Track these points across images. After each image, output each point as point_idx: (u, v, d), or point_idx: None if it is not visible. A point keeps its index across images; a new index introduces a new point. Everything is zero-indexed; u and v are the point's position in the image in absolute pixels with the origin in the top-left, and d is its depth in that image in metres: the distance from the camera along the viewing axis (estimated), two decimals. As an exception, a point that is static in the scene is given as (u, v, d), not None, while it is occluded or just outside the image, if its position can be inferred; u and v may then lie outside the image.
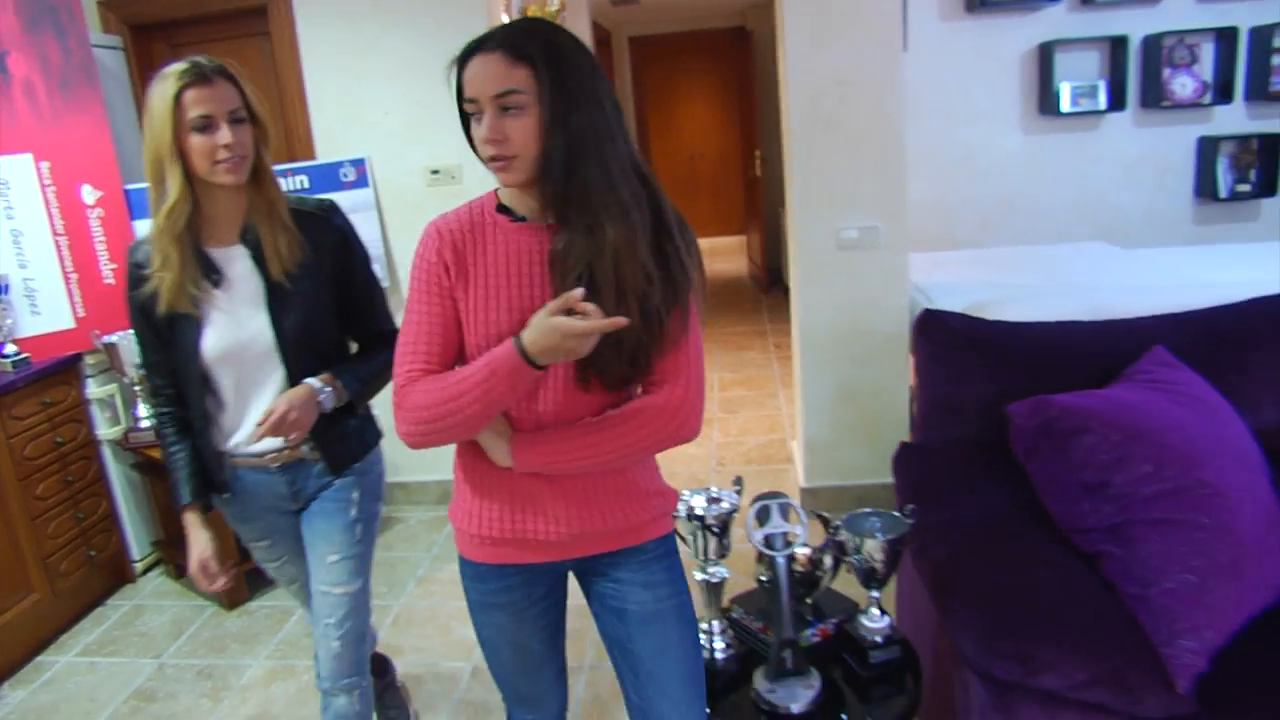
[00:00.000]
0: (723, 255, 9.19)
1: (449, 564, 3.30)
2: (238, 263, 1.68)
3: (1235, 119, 4.45)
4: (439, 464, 3.74)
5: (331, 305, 1.76)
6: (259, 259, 1.67)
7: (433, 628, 2.89)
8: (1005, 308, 2.49)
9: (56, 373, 3.05)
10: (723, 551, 1.79)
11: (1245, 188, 4.48)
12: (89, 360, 3.18)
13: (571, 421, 1.34)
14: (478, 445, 1.39)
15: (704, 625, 1.81)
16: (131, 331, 1.84)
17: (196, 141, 1.56)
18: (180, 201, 1.59)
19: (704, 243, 1.48)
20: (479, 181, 3.40)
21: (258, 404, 1.72)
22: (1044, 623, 1.56)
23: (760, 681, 1.71)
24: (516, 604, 1.46)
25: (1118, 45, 4.36)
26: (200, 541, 1.78)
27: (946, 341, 2.23)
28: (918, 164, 4.51)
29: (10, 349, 2.99)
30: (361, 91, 3.37)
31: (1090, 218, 4.61)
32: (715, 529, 1.76)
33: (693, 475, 3.86)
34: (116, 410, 3.26)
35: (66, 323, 3.14)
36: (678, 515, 1.76)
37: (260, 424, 1.63)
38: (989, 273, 3.59)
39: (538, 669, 1.54)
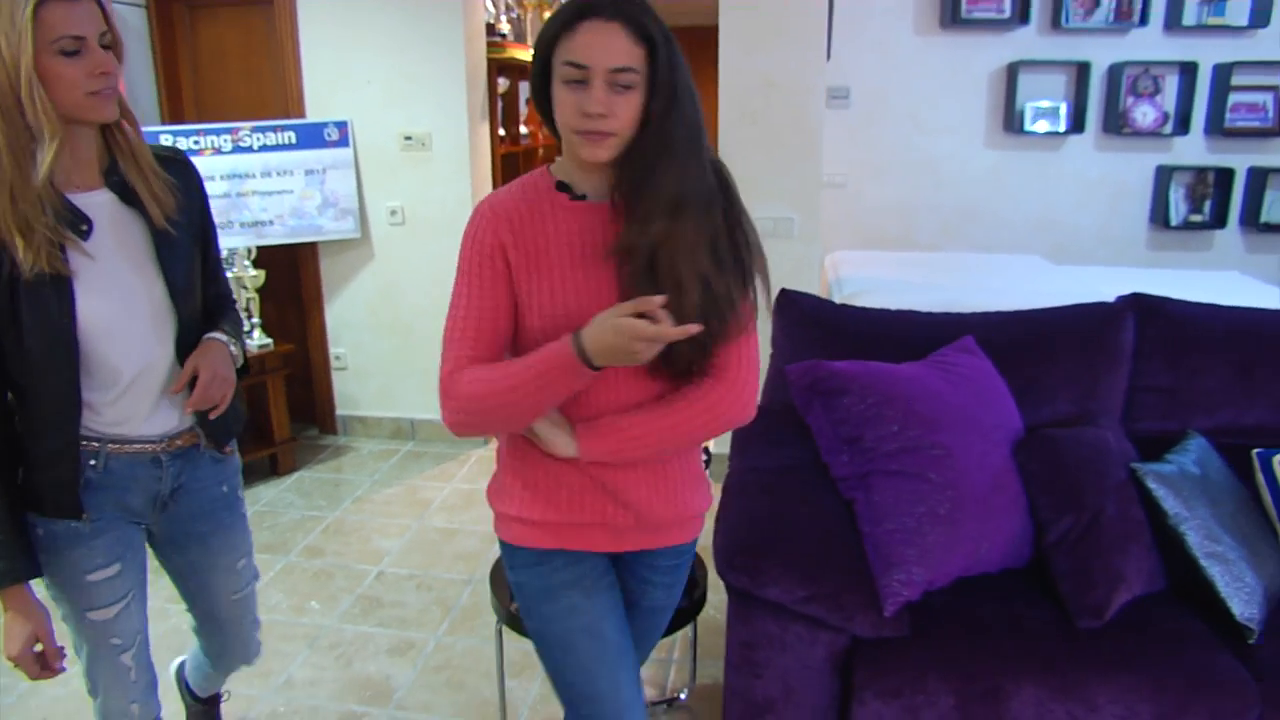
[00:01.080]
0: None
1: (385, 488, 3.68)
2: (106, 209, 1.42)
3: (1194, 151, 4.61)
4: (394, 401, 4.13)
5: (199, 258, 1.57)
6: (132, 202, 1.43)
7: (355, 537, 3.27)
8: (870, 296, 2.77)
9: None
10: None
11: (1199, 218, 4.64)
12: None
13: (629, 406, 1.32)
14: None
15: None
16: None
17: (63, 68, 1.27)
18: (61, 147, 1.30)
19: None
20: (449, 150, 3.76)
21: (155, 373, 1.48)
22: (778, 545, 1.85)
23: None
24: (586, 578, 1.40)
25: (1082, 70, 4.54)
26: (35, 619, 1.43)
27: (796, 318, 2.52)
28: (883, 168, 4.77)
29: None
30: (349, 60, 3.75)
31: (1047, 234, 4.80)
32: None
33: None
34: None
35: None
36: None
37: (175, 390, 1.48)
38: (915, 273, 3.83)
39: (616, 661, 1.41)
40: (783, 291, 2.58)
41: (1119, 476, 1.96)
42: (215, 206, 3.49)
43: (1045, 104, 4.63)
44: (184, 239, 1.50)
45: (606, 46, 1.17)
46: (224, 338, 1.55)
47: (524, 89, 4.56)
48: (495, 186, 4.13)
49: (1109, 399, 2.35)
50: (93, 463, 1.46)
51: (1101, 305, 2.43)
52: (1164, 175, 4.61)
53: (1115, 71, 4.52)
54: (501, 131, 4.29)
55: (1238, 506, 2.00)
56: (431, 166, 3.77)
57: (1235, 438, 2.24)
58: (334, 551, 3.17)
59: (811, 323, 2.49)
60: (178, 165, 1.54)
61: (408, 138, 3.77)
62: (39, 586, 1.48)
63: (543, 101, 1.28)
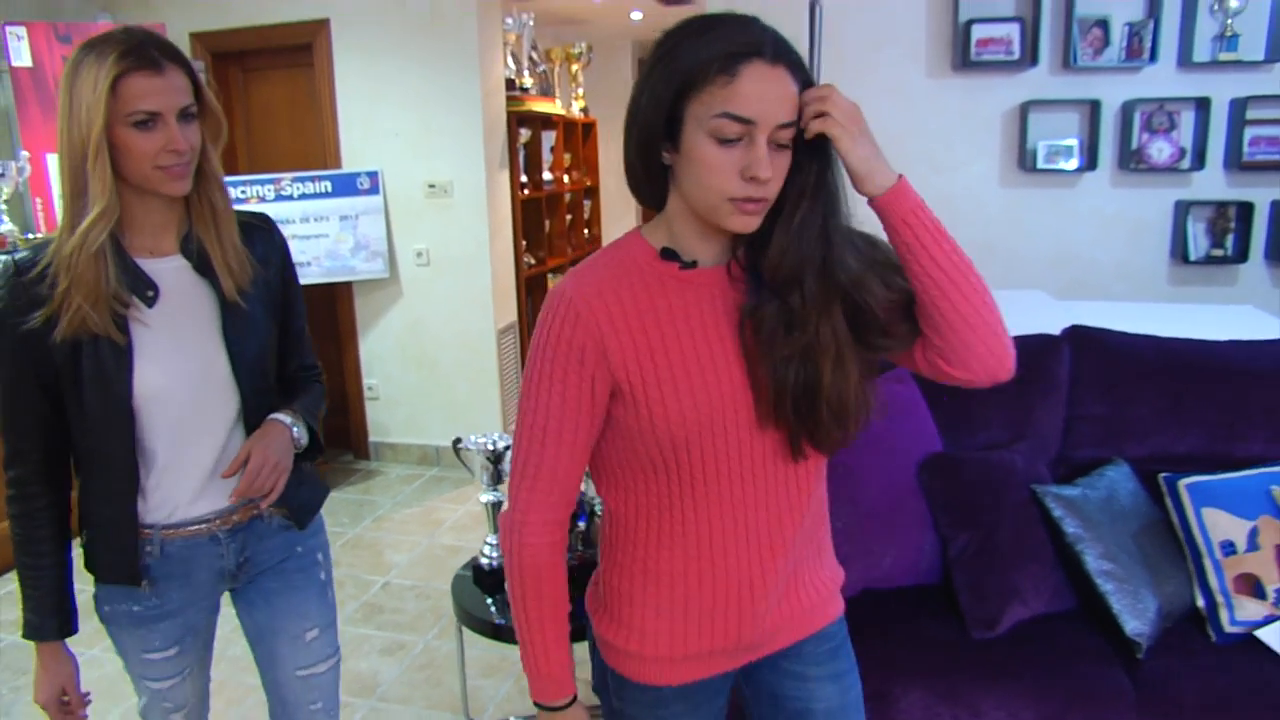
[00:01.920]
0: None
1: (405, 509, 3.97)
2: (177, 276, 1.38)
3: (1213, 185, 4.59)
4: (421, 429, 4.44)
5: (275, 331, 1.49)
6: (205, 272, 1.38)
7: (370, 552, 3.56)
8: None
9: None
10: (499, 477, 2.35)
11: (1220, 252, 4.61)
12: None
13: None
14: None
15: (489, 539, 2.37)
16: None
17: (134, 140, 1.24)
18: (105, 214, 1.25)
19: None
20: (468, 196, 4.07)
21: (204, 452, 1.41)
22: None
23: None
24: None
25: (1094, 108, 4.60)
26: (63, 672, 1.44)
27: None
28: (897, 207, 4.88)
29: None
30: (379, 114, 4.12)
31: (1064, 270, 4.83)
32: (492, 459, 2.32)
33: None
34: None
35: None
36: (466, 448, 2.33)
37: (226, 475, 1.40)
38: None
39: None
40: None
41: (1019, 497, 2.08)
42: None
43: (1067, 142, 4.70)
44: (257, 312, 1.44)
45: (778, 97, 0.98)
46: (287, 420, 1.45)
47: (546, 139, 4.87)
48: (515, 230, 4.43)
49: (1045, 426, 2.45)
50: (149, 549, 1.42)
51: (1039, 336, 2.53)
52: (1182, 210, 4.61)
53: (1128, 108, 4.56)
54: (524, 178, 4.60)
55: (1144, 528, 2.09)
56: (453, 212, 4.10)
57: (1167, 465, 2.31)
58: (348, 564, 3.46)
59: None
60: (263, 232, 1.49)
61: (431, 185, 4.11)
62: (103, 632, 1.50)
63: (649, 154, 1.05)
